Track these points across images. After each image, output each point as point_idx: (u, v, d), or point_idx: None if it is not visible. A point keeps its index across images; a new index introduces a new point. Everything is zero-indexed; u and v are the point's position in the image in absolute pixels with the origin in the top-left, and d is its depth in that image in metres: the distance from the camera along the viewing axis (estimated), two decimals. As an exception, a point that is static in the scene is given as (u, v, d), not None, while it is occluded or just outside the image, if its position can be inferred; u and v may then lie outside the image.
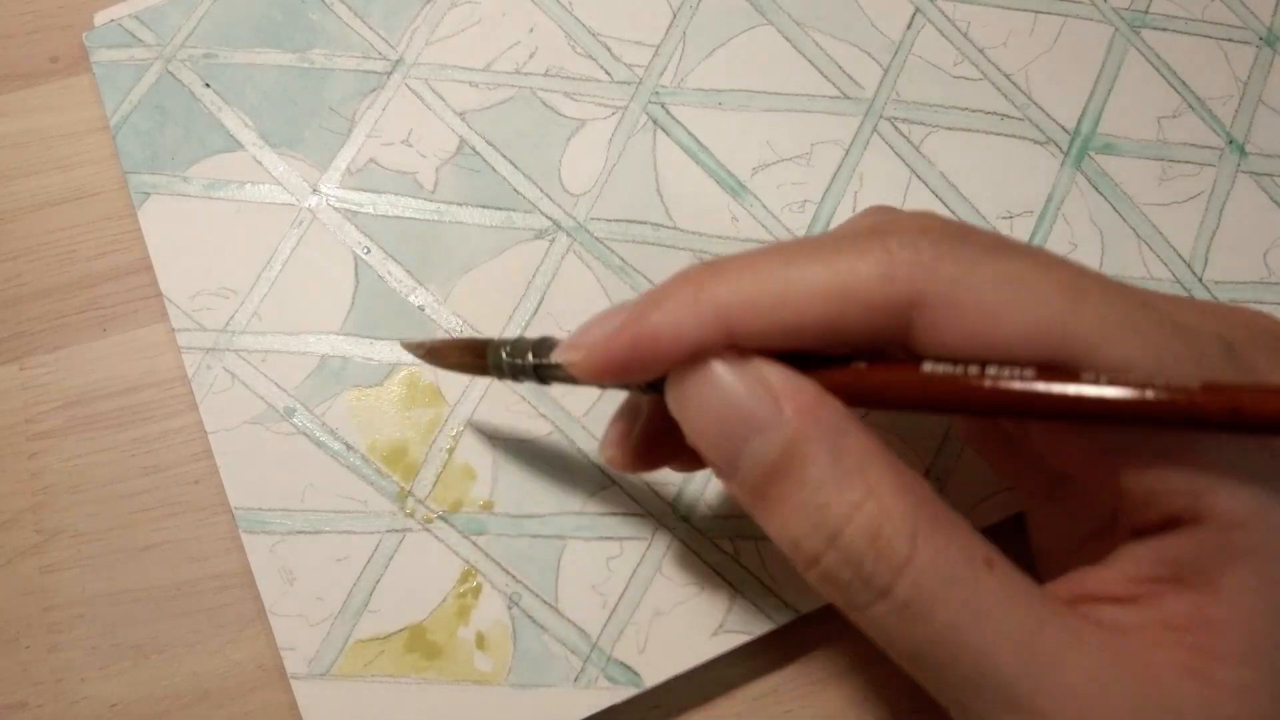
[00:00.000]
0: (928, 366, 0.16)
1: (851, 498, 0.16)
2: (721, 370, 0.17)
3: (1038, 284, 0.15)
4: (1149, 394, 0.15)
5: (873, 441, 0.16)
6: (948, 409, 0.16)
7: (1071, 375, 0.15)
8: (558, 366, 0.20)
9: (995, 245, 0.16)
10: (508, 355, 0.22)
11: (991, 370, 0.15)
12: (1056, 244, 0.29)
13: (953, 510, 0.17)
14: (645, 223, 0.29)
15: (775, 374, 0.17)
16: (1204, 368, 0.16)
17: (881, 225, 0.17)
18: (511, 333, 0.28)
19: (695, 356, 0.17)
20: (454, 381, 0.27)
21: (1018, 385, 0.15)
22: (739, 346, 0.17)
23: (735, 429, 0.17)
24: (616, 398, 0.27)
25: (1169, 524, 0.16)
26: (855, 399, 0.17)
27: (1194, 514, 0.16)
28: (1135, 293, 0.17)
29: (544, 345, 0.21)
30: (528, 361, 0.21)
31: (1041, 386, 0.15)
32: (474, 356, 0.23)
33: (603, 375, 0.18)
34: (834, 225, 0.29)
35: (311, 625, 0.25)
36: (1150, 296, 0.17)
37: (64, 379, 0.28)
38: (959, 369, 0.16)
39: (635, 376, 0.17)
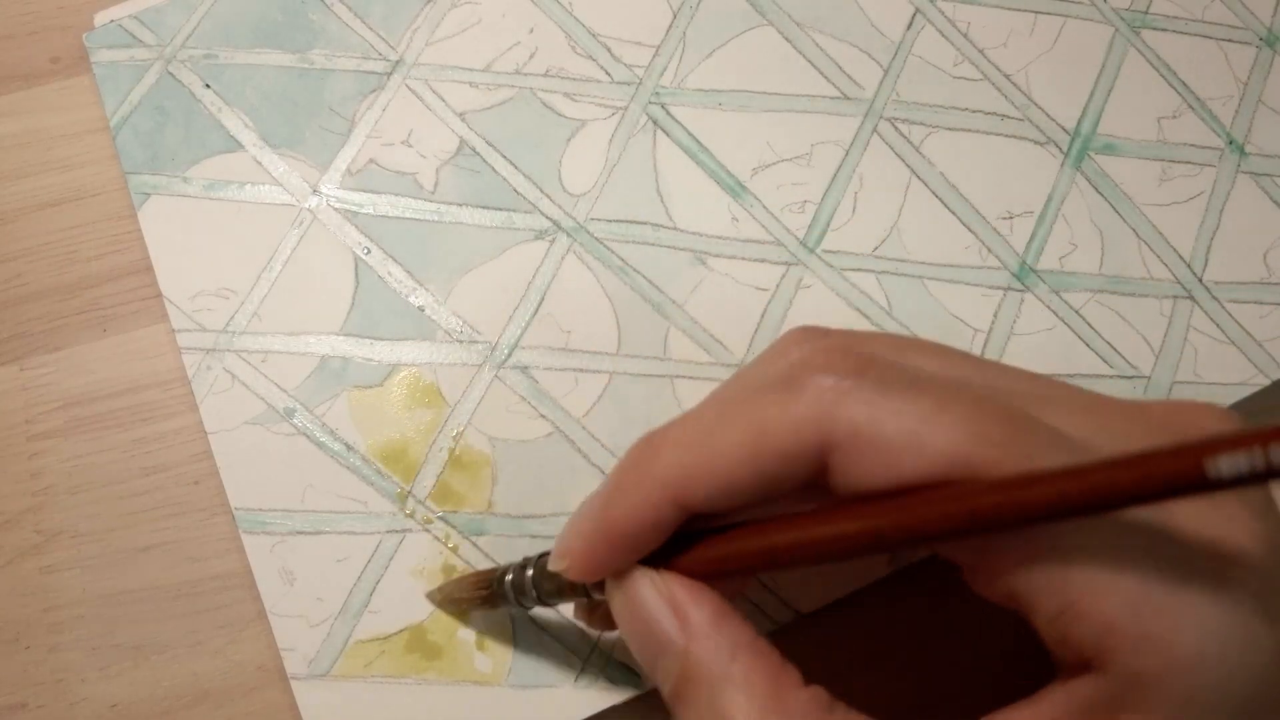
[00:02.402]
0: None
1: None
2: (639, 585, 0.18)
3: (936, 423, 0.16)
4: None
5: (764, 667, 0.17)
6: (860, 552, 0.17)
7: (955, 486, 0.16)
8: (554, 577, 0.21)
9: (894, 385, 0.16)
10: (511, 584, 0.22)
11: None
12: (1057, 244, 0.29)
13: None
14: (645, 223, 0.29)
15: (682, 589, 0.18)
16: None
17: (793, 368, 0.17)
18: (512, 332, 0.28)
19: (657, 533, 0.18)
20: (454, 382, 0.27)
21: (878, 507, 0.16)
22: (657, 565, 0.18)
23: (648, 644, 0.18)
24: (618, 401, 0.27)
25: (1081, 667, 0.16)
26: (766, 565, 0.18)
27: (1100, 658, 0.16)
28: (1044, 430, 0.16)
29: (539, 565, 0.22)
30: (525, 579, 0.22)
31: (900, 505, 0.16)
32: (483, 590, 0.23)
33: (595, 576, 0.19)
34: (834, 225, 0.29)
35: (312, 626, 0.25)
36: (1070, 416, 0.17)
37: (64, 379, 0.28)
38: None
39: (625, 564, 0.19)
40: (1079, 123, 0.31)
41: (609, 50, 0.31)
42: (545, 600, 0.22)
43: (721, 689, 0.17)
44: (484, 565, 0.25)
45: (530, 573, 0.22)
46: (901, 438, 0.16)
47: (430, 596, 0.25)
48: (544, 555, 0.22)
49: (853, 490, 0.17)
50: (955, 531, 0.16)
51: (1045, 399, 0.17)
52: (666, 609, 0.18)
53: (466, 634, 0.25)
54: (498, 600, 0.23)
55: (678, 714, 0.18)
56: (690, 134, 0.30)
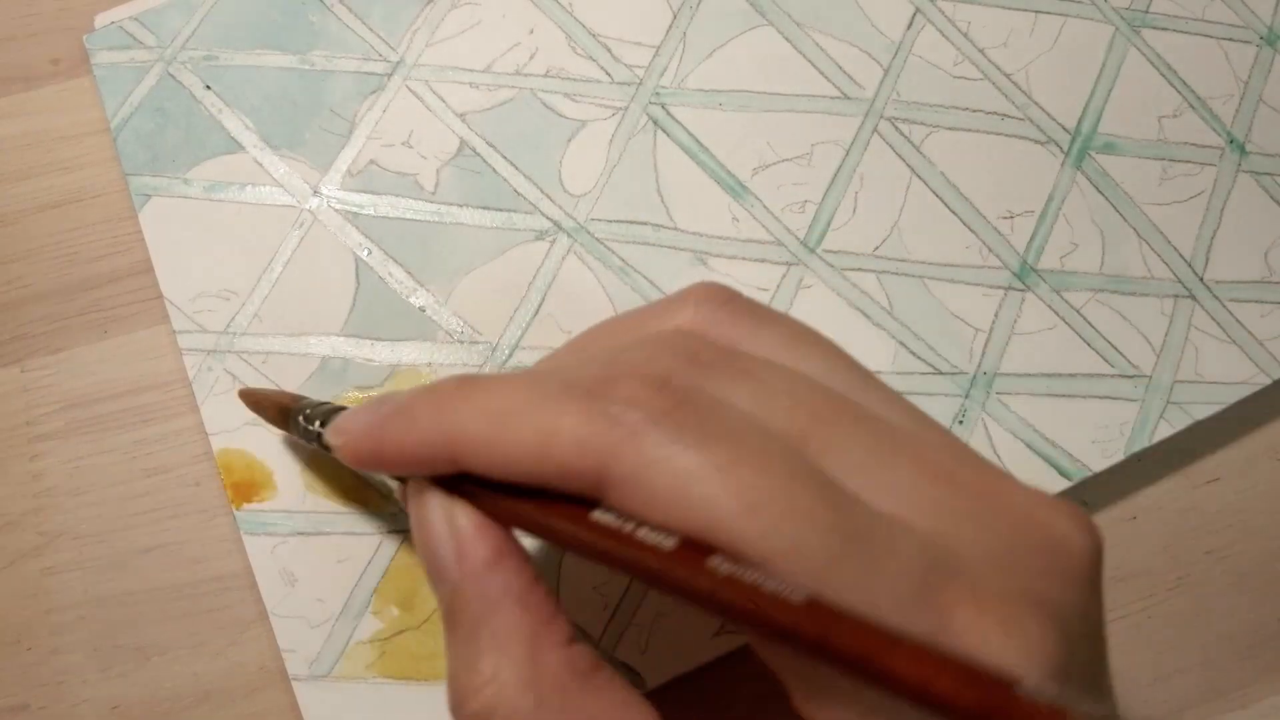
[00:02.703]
0: (596, 514, 0.16)
1: (475, 680, 0.16)
2: (430, 504, 0.18)
3: (710, 487, 0.15)
4: (762, 588, 0.14)
5: (525, 621, 0.17)
6: (608, 560, 0.16)
7: (705, 554, 0.15)
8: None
9: (686, 435, 0.15)
10: (304, 420, 0.22)
11: (643, 531, 0.15)
12: (1057, 243, 0.29)
13: (606, 692, 0.16)
14: (646, 223, 0.29)
15: (467, 523, 0.17)
16: (877, 596, 0.14)
17: (605, 380, 0.16)
18: (513, 332, 0.28)
19: (429, 469, 0.18)
20: (455, 383, 0.27)
21: (652, 543, 0.15)
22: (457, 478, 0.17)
23: (428, 563, 0.18)
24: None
25: None
26: (538, 532, 0.17)
27: None
28: (836, 509, 0.15)
29: (332, 415, 0.22)
30: (313, 429, 0.22)
31: (667, 553, 0.15)
32: (281, 413, 0.24)
33: (357, 465, 0.19)
34: (834, 225, 0.29)
35: (313, 627, 0.25)
36: (915, 480, 0.16)
37: (65, 381, 0.28)
38: (622, 522, 0.16)
39: (385, 472, 0.19)
40: (1079, 122, 0.31)
41: (609, 50, 0.31)
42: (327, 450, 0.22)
43: (478, 635, 0.17)
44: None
45: (318, 425, 0.22)
46: (669, 493, 0.15)
47: (242, 394, 0.26)
48: (335, 409, 0.22)
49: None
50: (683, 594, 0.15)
51: (892, 451, 0.16)
52: (448, 537, 0.17)
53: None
54: (292, 429, 0.23)
55: (445, 637, 0.18)
56: (690, 134, 0.30)
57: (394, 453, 0.18)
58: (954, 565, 0.15)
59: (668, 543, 0.15)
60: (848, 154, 0.30)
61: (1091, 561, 0.16)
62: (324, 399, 0.27)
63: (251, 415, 0.27)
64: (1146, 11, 0.32)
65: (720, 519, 0.15)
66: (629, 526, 0.15)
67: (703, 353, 0.17)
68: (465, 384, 0.17)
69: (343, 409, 0.22)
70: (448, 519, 0.17)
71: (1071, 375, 0.28)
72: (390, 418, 0.18)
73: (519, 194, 0.29)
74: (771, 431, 0.16)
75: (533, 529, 0.17)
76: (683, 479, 0.15)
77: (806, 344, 0.18)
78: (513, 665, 0.16)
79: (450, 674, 0.17)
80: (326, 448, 0.21)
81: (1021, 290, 0.29)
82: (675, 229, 0.29)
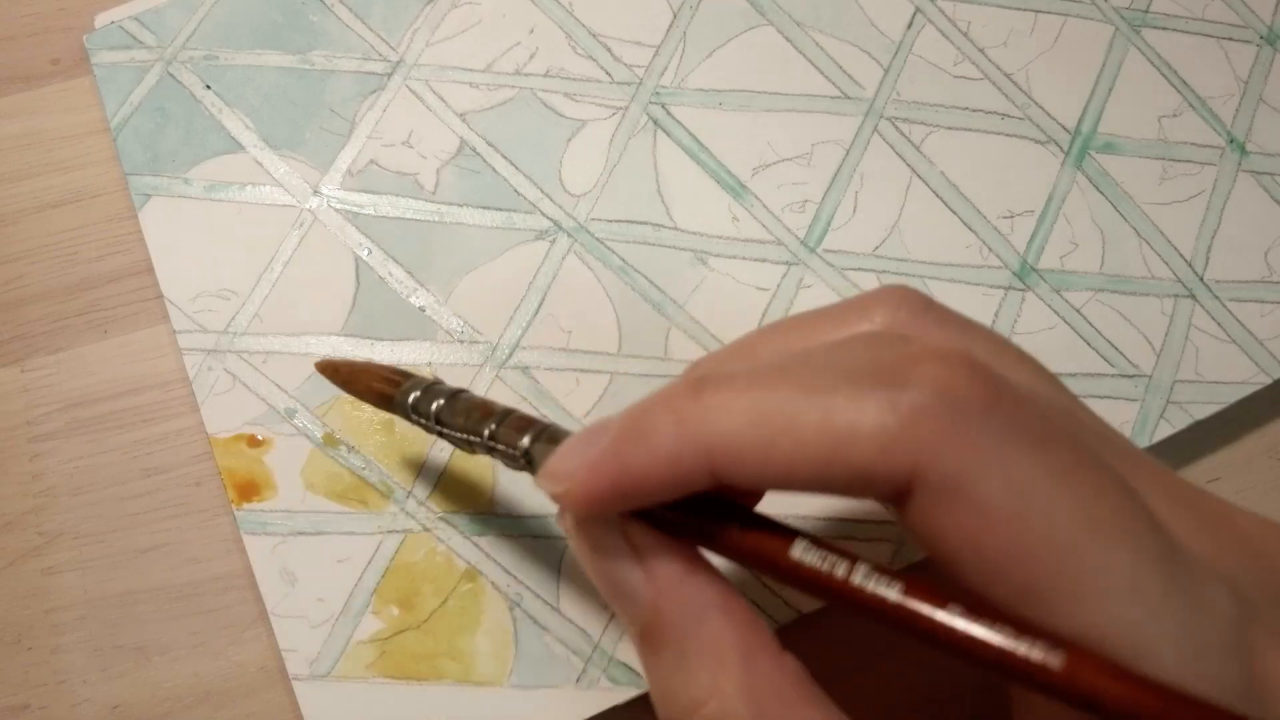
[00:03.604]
0: (797, 552, 0.15)
1: (695, 694, 0.15)
2: (601, 529, 0.16)
3: (1053, 502, 0.13)
4: (1006, 644, 0.13)
5: (734, 631, 0.15)
6: (813, 594, 0.15)
7: (940, 599, 0.13)
8: (467, 419, 0.20)
9: (1021, 433, 0.13)
10: (414, 410, 0.21)
11: (858, 576, 0.14)
12: (1057, 243, 0.29)
13: (822, 704, 0.15)
14: (646, 223, 0.29)
15: (650, 540, 0.16)
16: (1197, 642, 0.13)
17: (896, 364, 0.14)
18: (513, 332, 0.28)
19: (682, 492, 0.16)
20: (455, 382, 0.27)
21: (877, 594, 0.14)
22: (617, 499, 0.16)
23: (610, 587, 0.16)
24: (619, 401, 0.27)
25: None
26: (729, 555, 0.16)
27: None
28: (1163, 542, 0.13)
29: (448, 398, 0.21)
30: (432, 408, 0.21)
31: (897, 600, 0.14)
32: (382, 399, 0.22)
33: (590, 510, 0.16)
34: (834, 225, 0.29)
35: (313, 627, 0.25)
36: (1200, 526, 0.15)
37: (65, 381, 0.28)
38: (826, 563, 0.14)
39: (622, 509, 0.16)
40: (1079, 121, 0.31)
41: (609, 50, 0.31)
42: (445, 436, 0.21)
43: (689, 650, 0.15)
44: (487, 566, 0.25)
45: (440, 404, 0.21)
46: (1003, 500, 0.13)
47: (321, 367, 0.24)
48: (455, 393, 0.21)
49: (922, 541, 0.14)
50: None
51: (1151, 479, 0.15)
52: (628, 554, 0.16)
53: (468, 635, 0.25)
54: (394, 407, 0.22)
55: (643, 660, 0.16)
56: (690, 134, 0.30)
57: (637, 484, 0.15)
58: (1251, 609, 0.14)
59: (892, 594, 0.13)
60: (848, 154, 0.30)
61: None
62: (324, 393, 0.27)
63: (256, 414, 0.27)
64: (1146, 11, 0.32)
65: (1059, 534, 0.13)
66: (841, 571, 0.14)
67: (970, 348, 0.15)
68: (707, 386, 0.15)
69: (461, 391, 0.20)
70: (626, 539, 0.16)
71: (1071, 375, 0.28)
72: (624, 444, 0.15)
73: (519, 194, 0.29)
74: (1076, 426, 0.14)
75: (720, 553, 0.16)
76: (1021, 485, 0.13)
77: (1015, 355, 0.17)
78: (731, 676, 0.15)
79: (662, 694, 0.16)
80: (446, 435, 0.20)
81: (1021, 290, 0.29)
82: (675, 229, 0.29)
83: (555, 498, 0.16)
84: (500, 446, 0.19)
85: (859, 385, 0.14)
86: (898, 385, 0.14)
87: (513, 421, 0.20)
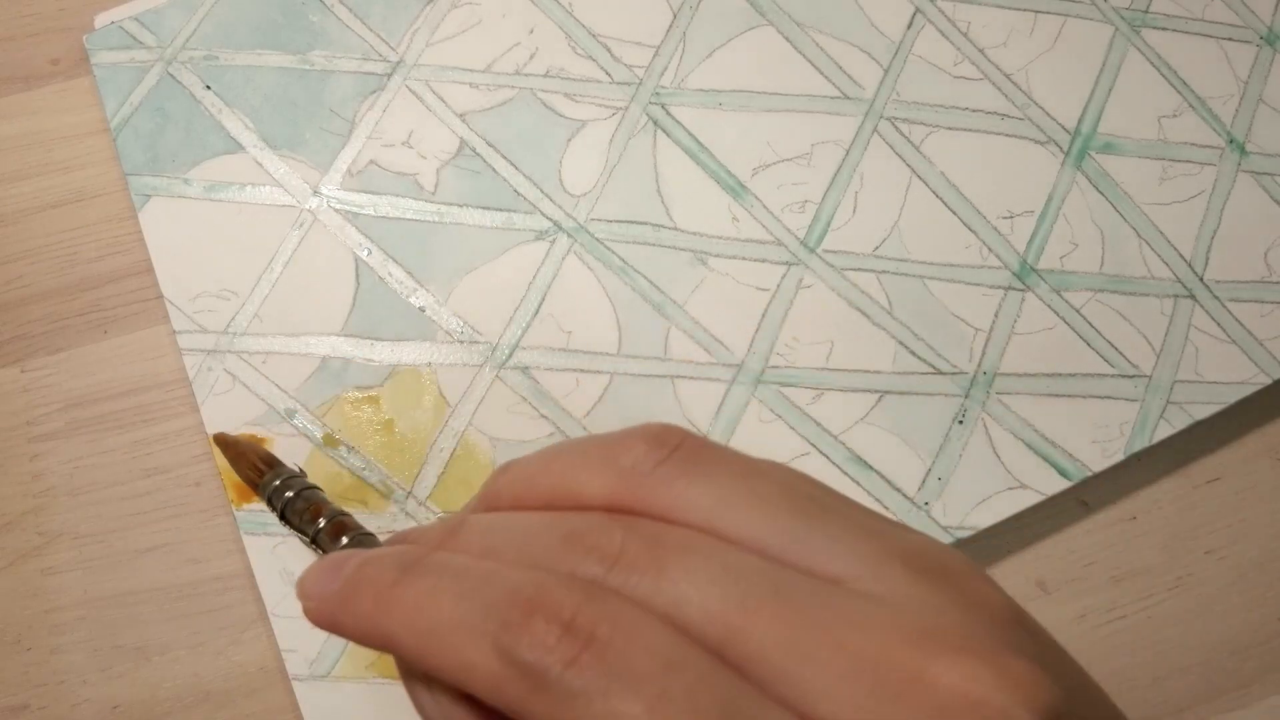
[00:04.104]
0: None
1: None
2: (416, 692, 0.17)
3: None
4: None
5: None
6: None
7: None
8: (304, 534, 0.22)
9: (593, 685, 0.15)
10: (271, 499, 0.23)
11: None
12: (1057, 243, 0.29)
13: None
14: (645, 223, 0.29)
15: (460, 713, 0.17)
16: None
17: (524, 608, 0.16)
18: (513, 332, 0.28)
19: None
20: (455, 382, 0.27)
21: None
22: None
23: None
24: (619, 401, 0.27)
25: None
26: None
27: None
28: None
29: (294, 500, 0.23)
30: (275, 511, 0.23)
31: None
32: (254, 475, 0.24)
33: (322, 629, 0.19)
34: (834, 225, 0.29)
35: (313, 627, 0.25)
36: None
37: (65, 381, 0.28)
38: None
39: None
40: (1079, 122, 0.31)
41: (609, 51, 0.31)
42: (289, 528, 0.22)
43: None
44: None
45: (286, 498, 0.22)
46: None
47: (217, 437, 0.25)
48: (304, 489, 0.22)
49: None
50: None
51: (813, 645, 0.15)
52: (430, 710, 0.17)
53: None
54: (259, 491, 0.23)
55: None
56: (690, 134, 0.30)
57: (347, 636, 0.18)
58: None
59: None
60: (848, 154, 0.30)
61: None
62: (324, 393, 0.27)
63: (256, 414, 0.27)
64: (1146, 11, 0.32)
65: None
66: None
67: (626, 552, 0.16)
68: (400, 582, 0.17)
69: (311, 487, 0.22)
70: (435, 702, 0.17)
71: (1071, 375, 0.28)
72: (337, 602, 0.18)
73: (519, 194, 0.29)
74: (681, 653, 0.15)
75: None
76: None
77: (743, 499, 0.17)
78: None
79: None
80: (282, 523, 0.22)
81: (1021, 290, 0.29)
82: (675, 229, 0.29)
83: (304, 612, 0.18)
84: (318, 549, 0.22)
85: (487, 629, 0.15)
86: (511, 634, 0.15)
87: (331, 528, 0.22)
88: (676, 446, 0.18)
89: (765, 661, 0.15)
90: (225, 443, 0.25)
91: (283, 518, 0.23)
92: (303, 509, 0.23)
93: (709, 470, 0.18)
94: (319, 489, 0.24)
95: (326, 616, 0.18)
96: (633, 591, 0.16)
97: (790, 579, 0.16)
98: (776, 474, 0.18)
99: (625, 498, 0.18)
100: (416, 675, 0.17)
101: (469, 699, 0.17)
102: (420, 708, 0.18)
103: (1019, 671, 0.15)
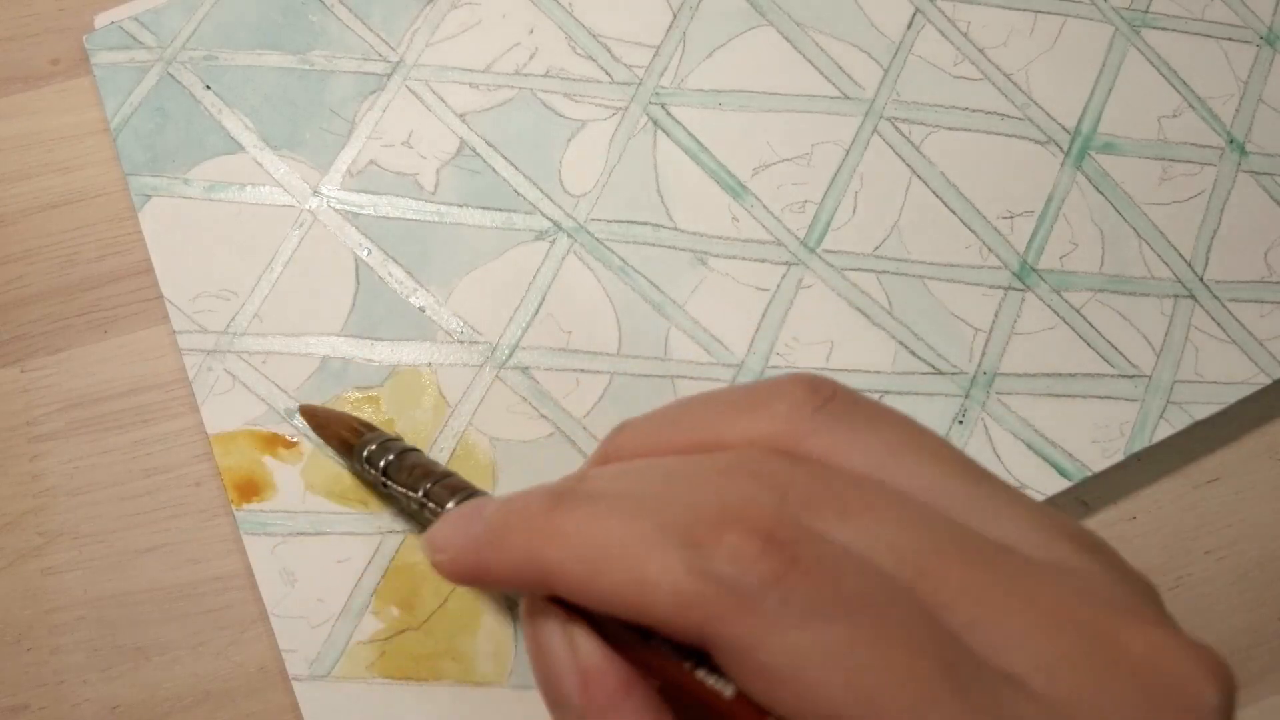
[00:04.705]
0: (701, 673, 0.15)
1: None
2: (549, 627, 0.17)
3: (825, 672, 0.14)
4: None
5: None
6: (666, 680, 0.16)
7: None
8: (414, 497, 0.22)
9: (803, 606, 0.14)
10: (367, 461, 0.24)
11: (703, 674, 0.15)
12: (1057, 243, 0.29)
13: None
14: (646, 223, 0.29)
15: (592, 650, 0.16)
16: None
17: (711, 523, 0.15)
18: (513, 332, 0.28)
19: (534, 594, 0.17)
20: (455, 383, 0.27)
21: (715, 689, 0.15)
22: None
23: (548, 688, 0.17)
24: (619, 401, 0.27)
25: None
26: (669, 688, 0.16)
27: None
28: (954, 700, 0.14)
29: (397, 455, 0.23)
30: (377, 474, 0.23)
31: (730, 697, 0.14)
32: (342, 445, 0.25)
33: (459, 583, 0.19)
34: (834, 225, 0.29)
35: (313, 627, 0.25)
36: (1026, 634, 0.15)
37: (65, 381, 0.28)
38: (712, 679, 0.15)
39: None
40: (1079, 122, 0.31)
41: (609, 51, 0.31)
42: (388, 490, 0.23)
43: None
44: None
45: (389, 459, 0.23)
46: (780, 672, 0.14)
47: (304, 410, 0.26)
48: (406, 450, 0.23)
49: (734, 680, 0.15)
50: None
51: (1005, 595, 0.15)
52: (571, 665, 0.16)
53: (468, 635, 0.25)
54: (353, 455, 0.24)
55: None
56: (690, 134, 0.30)
57: (494, 580, 0.17)
58: None
59: (728, 690, 0.14)
60: (848, 154, 0.30)
61: (1221, 718, 0.15)
62: (324, 393, 0.27)
63: (256, 415, 0.27)
64: (1146, 11, 0.32)
65: (835, 709, 0.13)
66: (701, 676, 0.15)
67: (797, 484, 0.16)
68: (557, 509, 0.16)
69: (412, 449, 0.23)
70: (569, 644, 0.16)
71: (1071, 375, 0.28)
72: (484, 543, 0.17)
73: (519, 194, 0.29)
74: (883, 585, 0.15)
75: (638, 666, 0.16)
76: (795, 659, 0.14)
77: (911, 451, 0.17)
78: None
79: None
80: (384, 485, 0.23)
81: (1021, 290, 0.29)
82: (675, 229, 0.29)
83: (435, 566, 0.18)
84: (430, 505, 0.22)
85: (672, 543, 0.15)
86: (699, 548, 0.14)
87: (447, 484, 0.22)
88: (832, 395, 0.17)
89: (954, 608, 0.15)
90: (312, 412, 0.26)
91: (385, 477, 0.23)
92: (411, 467, 0.23)
93: (871, 419, 0.17)
94: (419, 450, 0.24)
95: (468, 564, 0.17)
96: (811, 524, 0.15)
97: (970, 533, 0.16)
98: (936, 434, 0.17)
99: (784, 439, 0.17)
100: (554, 614, 0.17)
101: (607, 640, 0.16)
102: (545, 653, 0.17)
103: (1201, 648, 0.15)
